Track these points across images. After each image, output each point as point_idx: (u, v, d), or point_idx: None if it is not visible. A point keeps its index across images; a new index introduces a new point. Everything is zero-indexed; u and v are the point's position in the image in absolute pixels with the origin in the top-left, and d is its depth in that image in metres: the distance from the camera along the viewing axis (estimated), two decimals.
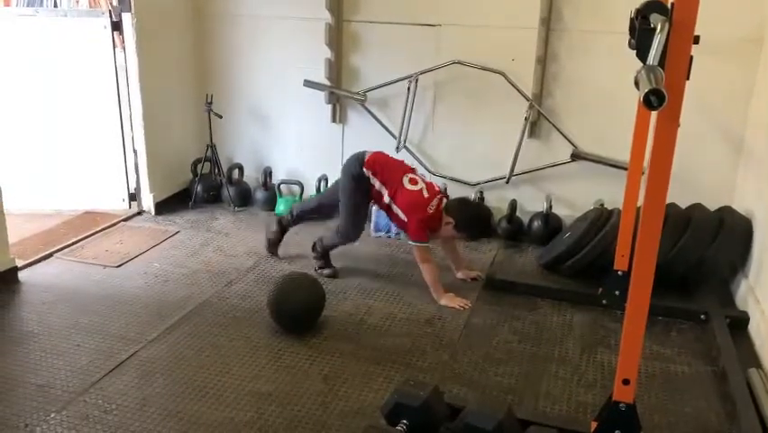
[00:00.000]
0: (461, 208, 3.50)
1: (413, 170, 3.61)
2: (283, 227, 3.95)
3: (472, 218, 3.52)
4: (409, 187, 3.49)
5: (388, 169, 3.55)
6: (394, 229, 4.28)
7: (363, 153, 3.59)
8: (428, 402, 2.23)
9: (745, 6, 3.70)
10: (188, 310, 3.31)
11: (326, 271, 3.75)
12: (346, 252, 3.94)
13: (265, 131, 4.90)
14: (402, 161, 3.70)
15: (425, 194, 3.48)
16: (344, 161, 3.69)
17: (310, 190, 4.68)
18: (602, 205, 4.04)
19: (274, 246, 3.97)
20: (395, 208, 3.50)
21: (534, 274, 3.88)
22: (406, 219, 3.47)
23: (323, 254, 3.78)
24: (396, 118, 4.47)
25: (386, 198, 3.51)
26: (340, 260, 3.88)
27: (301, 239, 4.09)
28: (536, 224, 4.29)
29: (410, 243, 3.50)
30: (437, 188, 3.60)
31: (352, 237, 3.70)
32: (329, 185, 4.66)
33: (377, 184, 3.52)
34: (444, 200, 3.54)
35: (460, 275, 3.77)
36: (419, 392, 2.25)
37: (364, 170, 3.52)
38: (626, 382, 2.11)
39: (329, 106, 4.63)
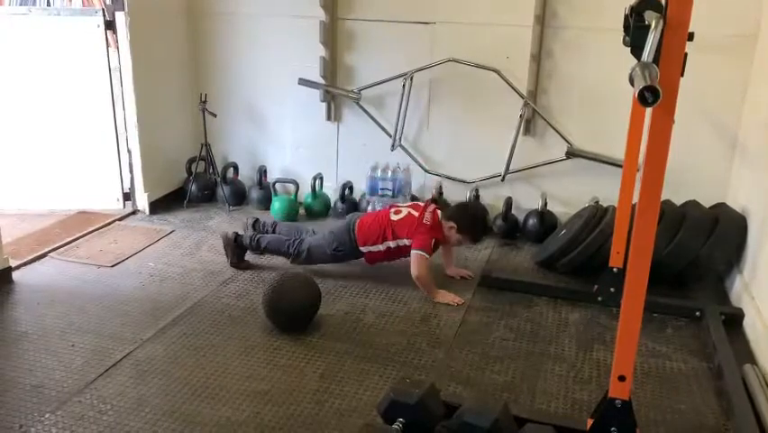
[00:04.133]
0: (460, 211, 3.61)
1: (391, 206, 3.71)
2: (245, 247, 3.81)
3: (473, 218, 3.62)
4: (396, 218, 3.57)
5: (376, 225, 3.58)
6: None
7: (354, 232, 3.58)
8: (424, 400, 2.23)
9: (738, 3, 3.70)
10: (184, 310, 3.30)
11: (238, 262, 3.73)
12: None
13: (260, 129, 4.89)
14: (380, 211, 3.77)
15: (414, 213, 3.56)
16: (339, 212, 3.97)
17: (305, 189, 4.67)
18: (597, 202, 4.05)
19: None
20: (401, 243, 3.54)
21: (529, 272, 3.88)
22: (412, 241, 3.50)
23: (255, 247, 3.73)
24: (391, 116, 4.46)
25: (391, 245, 3.55)
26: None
27: None
28: (531, 221, 4.30)
29: (413, 251, 3.46)
30: (422, 203, 3.66)
31: (306, 262, 3.68)
32: (323, 187, 4.69)
33: (380, 248, 3.57)
34: (438, 211, 3.59)
35: (449, 272, 3.78)
36: (415, 390, 2.25)
37: (362, 249, 3.59)
38: (621, 378, 2.11)
39: (324, 105, 4.63)
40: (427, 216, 3.53)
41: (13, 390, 2.63)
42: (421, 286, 3.48)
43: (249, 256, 3.84)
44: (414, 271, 3.44)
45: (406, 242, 3.52)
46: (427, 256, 3.47)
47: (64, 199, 4.54)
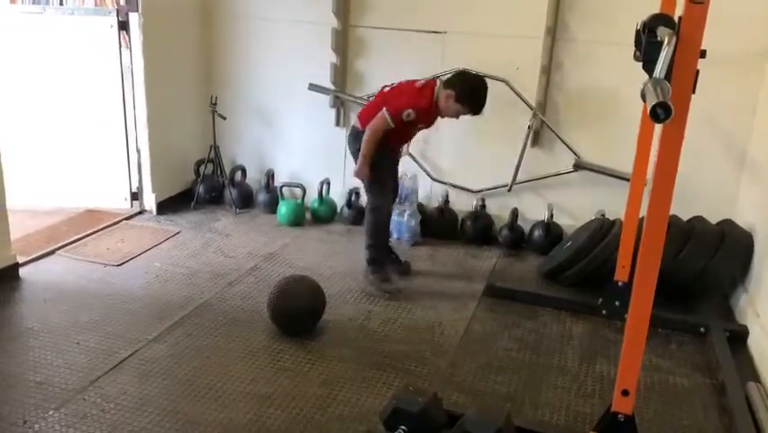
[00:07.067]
0: (459, 78, 3.40)
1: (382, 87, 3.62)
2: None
3: (473, 87, 3.38)
4: (388, 88, 3.51)
5: (374, 105, 3.49)
6: (395, 234, 4.29)
7: (354, 125, 3.57)
8: (427, 409, 2.23)
9: (750, 20, 3.71)
10: (189, 311, 3.31)
11: (385, 286, 3.57)
12: (346, 256, 3.95)
13: (269, 133, 4.91)
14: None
15: (404, 81, 3.49)
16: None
17: (312, 194, 4.69)
18: (603, 215, 4.05)
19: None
20: (395, 113, 3.35)
21: (534, 283, 3.88)
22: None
23: (374, 259, 3.62)
24: None
25: (387, 117, 3.35)
26: (342, 264, 3.89)
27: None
28: (537, 233, 4.30)
29: (382, 110, 3.34)
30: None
31: (385, 207, 3.58)
32: (330, 192, 4.70)
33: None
34: (437, 81, 3.45)
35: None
36: (418, 398, 2.26)
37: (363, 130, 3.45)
38: (625, 393, 2.11)
39: (333, 110, 4.64)
40: (420, 81, 3.43)
41: (18, 386, 2.64)
42: (364, 142, 3.36)
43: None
44: (371, 126, 3.35)
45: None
46: (388, 119, 3.32)
47: (72, 197, 4.57)
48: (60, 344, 2.96)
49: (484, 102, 3.36)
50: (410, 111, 3.34)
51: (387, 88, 3.56)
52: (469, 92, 3.33)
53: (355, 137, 3.53)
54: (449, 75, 3.38)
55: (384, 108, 3.35)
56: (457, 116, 3.44)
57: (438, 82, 3.43)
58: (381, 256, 3.68)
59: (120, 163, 4.56)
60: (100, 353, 2.90)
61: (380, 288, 3.58)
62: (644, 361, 2.94)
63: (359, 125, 3.52)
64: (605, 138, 4.15)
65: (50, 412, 2.49)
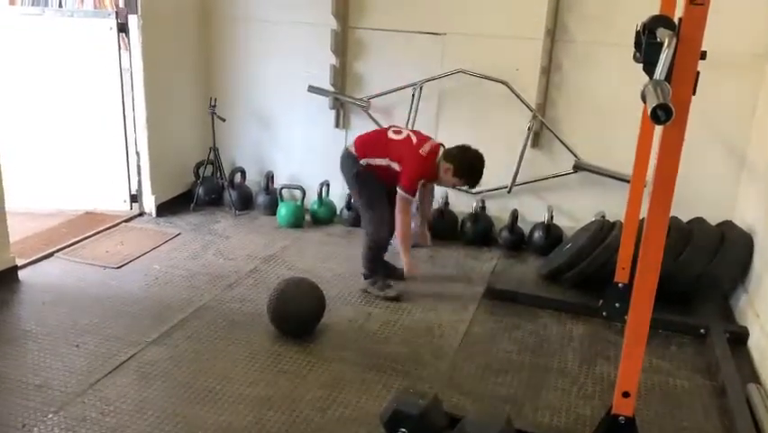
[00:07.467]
0: (459, 154, 3.46)
1: (390, 126, 3.66)
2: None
3: (471, 163, 3.45)
4: (395, 137, 3.50)
5: (375, 139, 3.56)
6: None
7: (349, 149, 3.56)
8: (427, 411, 2.23)
9: (750, 21, 3.71)
10: (188, 313, 3.30)
11: (387, 292, 3.59)
12: (346, 258, 3.95)
13: (268, 135, 4.90)
14: (378, 129, 3.81)
15: (414, 139, 3.49)
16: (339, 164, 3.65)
17: (312, 196, 4.68)
18: (603, 217, 4.05)
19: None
20: (393, 165, 3.45)
21: (534, 285, 3.87)
22: (401, 167, 3.43)
23: (372, 270, 3.65)
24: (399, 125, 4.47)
25: (391, 164, 3.44)
26: (342, 265, 3.88)
27: None
28: (537, 234, 4.29)
29: (399, 190, 3.40)
30: (427, 135, 3.59)
31: (382, 233, 3.58)
32: (330, 194, 4.70)
33: (382, 163, 3.46)
34: (440, 148, 3.50)
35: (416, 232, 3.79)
36: (418, 400, 2.25)
37: (361, 162, 3.49)
38: (625, 394, 2.11)
39: (332, 112, 4.64)
40: (426, 147, 3.45)
41: (17, 389, 2.63)
42: (400, 235, 3.46)
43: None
44: (398, 209, 3.43)
45: (397, 167, 3.44)
46: (411, 199, 3.45)
47: (72, 199, 4.56)
48: (59, 346, 2.95)
49: (480, 177, 3.51)
50: (422, 180, 3.50)
51: (391, 134, 3.53)
52: (468, 168, 3.45)
53: (352, 162, 3.52)
54: (451, 147, 3.49)
55: (400, 190, 3.40)
56: (453, 187, 3.66)
57: (440, 150, 3.49)
58: (378, 269, 3.69)
59: (119, 165, 4.56)
60: (99, 355, 2.90)
61: (383, 296, 3.58)
62: (644, 362, 2.92)
63: (354, 150, 3.53)
64: (605, 139, 4.14)
65: (49, 416, 2.48)
